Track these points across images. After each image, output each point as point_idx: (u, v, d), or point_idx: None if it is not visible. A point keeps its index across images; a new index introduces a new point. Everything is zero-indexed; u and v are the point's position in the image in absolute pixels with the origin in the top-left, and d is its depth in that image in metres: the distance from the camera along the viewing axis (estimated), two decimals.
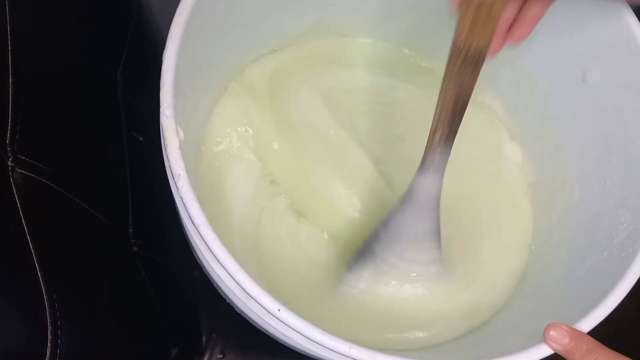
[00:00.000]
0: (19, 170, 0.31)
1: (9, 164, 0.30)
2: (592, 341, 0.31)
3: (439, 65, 0.34)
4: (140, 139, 0.47)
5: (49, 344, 0.28)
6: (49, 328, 0.29)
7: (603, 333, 0.32)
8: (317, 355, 0.33)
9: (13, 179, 0.30)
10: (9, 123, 0.31)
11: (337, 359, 0.31)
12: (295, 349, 0.36)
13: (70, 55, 0.38)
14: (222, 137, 0.45)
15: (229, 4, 0.39)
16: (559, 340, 0.30)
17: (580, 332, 0.31)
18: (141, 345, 0.40)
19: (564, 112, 0.45)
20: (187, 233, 0.34)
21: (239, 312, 0.36)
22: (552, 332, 0.31)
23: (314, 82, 0.49)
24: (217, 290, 0.38)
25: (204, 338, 0.51)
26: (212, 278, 0.35)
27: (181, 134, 0.31)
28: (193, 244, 0.33)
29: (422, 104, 0.46)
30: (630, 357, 0.30)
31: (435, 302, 0.43)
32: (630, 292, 0.33)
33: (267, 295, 0.28)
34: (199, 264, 0.38)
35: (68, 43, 0.39)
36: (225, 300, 0.38)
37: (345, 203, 0.45)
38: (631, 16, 0.38)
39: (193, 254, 0.38)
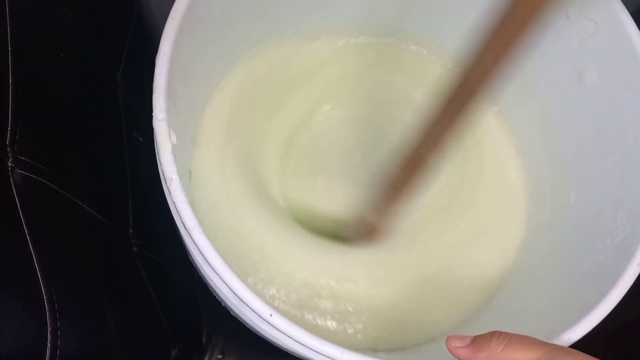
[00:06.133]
0: (19, 171, 0.31)
1: (9, 164, 0.30)
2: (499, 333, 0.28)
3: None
4: (141, 139, 0.47)
5: (48, 345, 0.28)
6: (49, 328, 0.29)
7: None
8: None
9: (13, 179, 0.30)
10: (9, 123, 0.31)
11: None
12: (290, 352, 0.36)
13: (70, 56, 0.38)
14: (214, 139, 0.45)
15: (223, 7, 0.39)
16: (460, 341, 0.28)
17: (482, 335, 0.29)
18: (141, 345, 0.40)
19: (560, 113, 0.45)
20: (182, 237, 0.34)
21: (234, 315, 0.36)
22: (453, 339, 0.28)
23: (305, 85, 0.49)
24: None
25: (204, 338, 0.51)
26: (207, 282, 0.35)
27: (174, 137, 0.31)
28: (187, 248, 0.34)
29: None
30: None
31: (419, 298, 0.43)
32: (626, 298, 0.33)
33: (260, 301, 0.28)
34: None
35: (68, 43, 0.39)
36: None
37: (337, 204, 0.45)
38: (627, 16, 0.38)
39: None
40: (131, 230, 0.42)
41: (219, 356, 0.51)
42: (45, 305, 0.29)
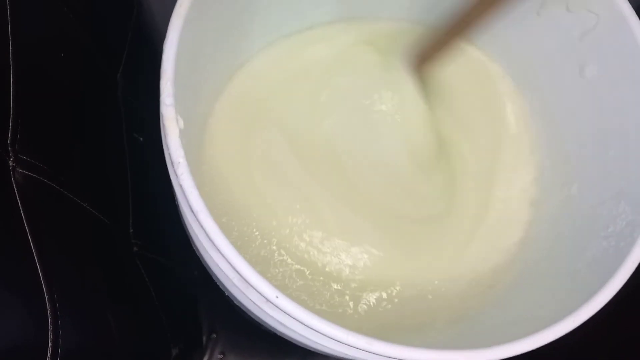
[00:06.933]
0: (20, 170, 0.31)
1: (10, 163, 0.30)
2: None
3: None
4: (141, 139, 0.47)
5: (50, 343, 0.28)
6: (50, 327, 0.29)
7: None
8: (315, 345, 0.33)
9: (14, 178, 0.30)
10: (10, 123, 0.31)
11: (334, 347, 0.31)
12: (294, 340, 0.36)
13: (70, 56, 0.38)
14: (224, 129, 0.45)
15: None
16: None
17: None
18: (142, 345, 0.40)
19: (561, 106, 0.45)
20: (186, 224, 0.34)
21: (237, 303, 0.36)
22: None
23: (319, 75, 0.48)
24: (216, 284, 0.38)
25: (204, 338, 0.52)
26: (210, 269, 0.35)
27: (181, 122, 0.31)
28: (192, 234, 0.33)
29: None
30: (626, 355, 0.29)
31: (425, 277, 0.44)
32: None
33: (266, 283, 0.28)
34: (199, 263, 0.38)
35: (68, 43, 0.39)
36: (225, 299, 0.38)
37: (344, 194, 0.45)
38: (629, 9, 0.38)
39: (193, 253, 0.38)
40: (131, 230, 0.42)
41: (220, 355, 0.51)
42: (46, 304, 0.29)
